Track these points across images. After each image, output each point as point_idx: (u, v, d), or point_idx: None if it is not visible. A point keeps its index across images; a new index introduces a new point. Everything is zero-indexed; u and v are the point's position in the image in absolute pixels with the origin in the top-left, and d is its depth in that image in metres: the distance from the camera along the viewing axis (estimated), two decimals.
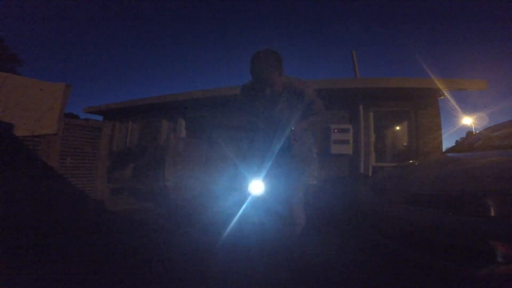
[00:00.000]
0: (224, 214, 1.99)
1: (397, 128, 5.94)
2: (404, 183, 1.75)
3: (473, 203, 1.23)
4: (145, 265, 1.66)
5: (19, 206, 2.67)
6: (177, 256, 1.85)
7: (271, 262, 1.60)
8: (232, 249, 1.87)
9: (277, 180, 1.61)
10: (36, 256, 1.72)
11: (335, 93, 5.22)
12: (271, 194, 1.63)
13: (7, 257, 1.66)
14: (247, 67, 1.47)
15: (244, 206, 1.68)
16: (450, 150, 2.69)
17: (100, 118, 8.60)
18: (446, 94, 5.04)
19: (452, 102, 5.55)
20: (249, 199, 1.65)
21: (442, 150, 4.85)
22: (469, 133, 3.27)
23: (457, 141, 3.32)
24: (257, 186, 1.61)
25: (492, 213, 1.16)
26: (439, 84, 4.74)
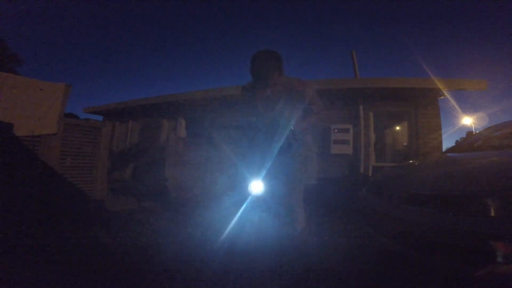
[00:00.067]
0: (224, 214, 1.99)
1: (397, 128, 5.94)
2: (404, 183, 1.75)
3: (473, 203, 1.23)
4: (145, 265, 1.66)
5: (19, 205, 2.67)
6: (177, 256, 1.85)
7: (271, 261, 1.60)
8: (232, 248, 1.87)
9: (277, 180, 1.61)
10: (36, 256, 1.72)
11: (335, 93, 5.22)
12: (271, 194, 1.63)
13: (7, 257, 1.66)
14: (247, 67, 1.47)
15: (244, 206, 1.68)
16: (450, 150, 2.69)
17: (100, 118, 8.60)
18: (446, 94, 5.03)
19: (452, 102, 5.55)
20: (249, 199, 1.65)
21: (442, 150, 4.85)
22: (469, 133, 3.27)
23: (457, 141, 3.33)
24: (257, 186, 1.61)
25: (492, 213, 1.16)
26: (439, 84, 4.73)
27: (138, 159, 6.39)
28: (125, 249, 1.95)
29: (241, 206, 1.69)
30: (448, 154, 2.48)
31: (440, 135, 5.03)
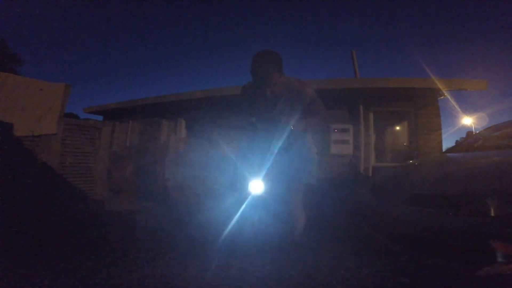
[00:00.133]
0: (224, 213, 1.99)
1: (397, 128, 5.94)
2: (404, 183, 1.75)
3: (473, 203, 1.23)
4: (145, 265, 1.66)
5: (19, 205, 2.67)
6: (176, 255, 1.85)
7: (270, 261, 1.60)
8: (232, 248, 1.87)
9: (277, 180, 1.61)
10: (36, 256, 1.72)
11: (335, 93, 5.22)
12: (271, 194, 1.63)
13: (7, 257, 1.66)
14: (247, 67, 1.47)
15: (244, 206, 1.68)
16: (450, 150, 2.69)
17: (100, 118, 8.60)
18: (446, 94, 5.03)
19: (452, 102, 5.55)
20: (249, 199, 1.65)
21: (442, 150, 4.85)
22: (469, 133, 3.27)
23: (457, 141, 3.33)
24: (257, 186, 1.61)
25: (492, 213, 1.16)
26: (439, 84, 4.73)
27: (138, 159, 6.38)
28: (125, 249, 1.95)
29: (241, 206, 1.69)
30: (448, 154, 2.48)
31: (440, 135, 5.03)
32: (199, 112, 6.57)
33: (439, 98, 5.20)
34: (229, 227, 1.86)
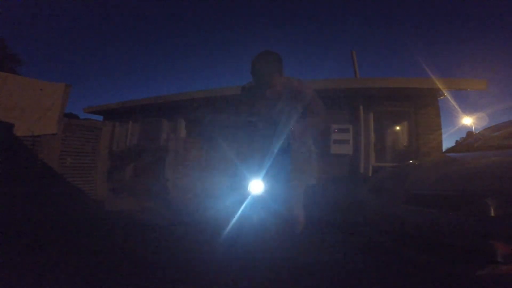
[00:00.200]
0: (224, 213, 1.99)
1: (397, 128, 5.94)
2: (404, 183, 1.75)
3: (473, 203, 1.23)
4: (145, 265, 1.66)
5: (19, 205, 2.67)
6: (176, 255, 1.85)
7: (270, 261, 1.60)
8: (232, 248, 1.87)
9: (276, 180, 1.61)
10: (36, 256, 1.72)
11: (335, 93, 5.21)
12: (271, 193, 1.63)
13: (7, 257, 1.66)
14: (247, 67, 1.47)
15: (243, 206, 1.68)
16: (450, 150, 2.69)
17: (100, 118, 8.59)
18: (446, 94, 5.03)
19: (452, 102, 5.55)
20: (249, 198, 1.65)
21: (442, 150, 4.85)
22: (469, 133, 3.26)
23: (457, 141, 3.32)
24: (256, 186, 1.61)
25: (492, 213, 1.16)
26: (439, 84, 4.73)
27: (138, 159, 6.38)
28: (124, 249, 1.95)
29: (240, 205, 1.69)
30: (448, 154, 2.48)
31: (440, 135, 5.02)
32: (199, 112, 6.57)
33: (439, 98, 5.19)
34: (229, 226, 1.86)
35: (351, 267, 1.67)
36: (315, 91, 1.61)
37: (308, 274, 1.53)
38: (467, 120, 12.63)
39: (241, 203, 1.68)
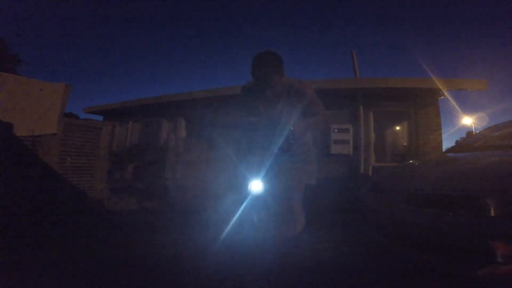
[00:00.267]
0: (224, 213, 1.99)
1: (397, 128, 5.93)
2: (404, 183, 1.75)
3: (473, 203, 1.23)
4: (145, 265, 1.66)
5: (19, 205, 2.67)
6: (176, 255, 1.85)
7: (270, 261, 1.60)
8: (232, 248, 1.87)
9: (276, 179, 1.61)
10: (36, 256, 1.72)
11: (335, 93, 5.21)
12: (271, 193, 1.63)
13: (7, 257, 1.66)
14: (248, 67, 1.47)
15: (243, 206, 1.68)
16: (450, 150, 2.69)
17: (100, 118, 8.59)
18: (446, 94, 5.03)
19: (452, 102, 5.55)
20: (249, 198, 1.65)
21: (442, 150, 4.85)
22: (469, 133, 3.27)
23: (457, 141, 3.32)
24: (256, 186, 1.61)
25: (492, 213, 1.16)
26: (439, 84, 4.73)
27: (138, 159, 6.38)
28: (124, 248, 1.95)
29: (240, 205, 1.69)
30: (448, 154, 2.48)
31: (440, 135, 5.02)
32: (199, 112, 6.57)
33: (439, 98, 5.19)
34: (229, 226, 1.86)
35: (351, 267, 1.67)
36: (315, 91, 1.61)
37: (308, 274, 1.53)
38: (467, 120, 12.65)
39: (241, 203, 1.68)
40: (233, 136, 4.90)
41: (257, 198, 1.63)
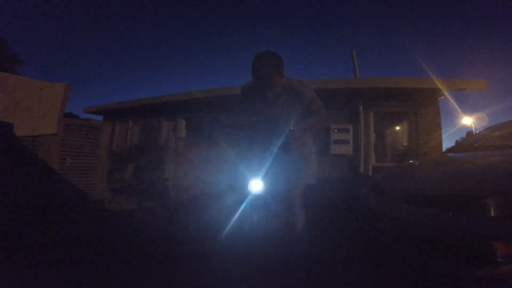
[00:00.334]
0: (224, 213, 1.99)
1: (397, 128, 5.93)
2: (404, 183, 1.75)
3: (473, 203, 1.23)
4: (145, 265, 1.66)
5: (19, 205, 2.67)
6: (176, 255, 1.85)
7: (270, 261, 1.60)
8: (232, 248, 1.87)
9: (276, 179, 1.61)
10: (36, 256, 1.72)
11: (335, 93, 5.22)
12: (271, 193, 1.63)
13: (7, 256, 1.66)
14: (247, 67, 1.47)
15: (243, 205, 1.68)
16: (450, 150, 2.68)
17: (100, 118, 8.59)
18: (446, 94, 5.03)
19: (452, 102, 5.55)
20: (249, 198, 1.65)
21: (442, 150, 4.85)
22: (469, 133, 3.27)
23: (457, 141, 3.32)
24: (256, 186, 1.61)
25: (492, 213, 1.16)
26: (439, 84, 4.73)
27: (138, 159, 6.38)
28: (124, 248, 1.95)
29: (240, 205, 1.69)
30: (448, 154, 2.48)
31: (440, 135, 5.02)
32: (199, 112, 6.57)
33: (439, 98, 5.19)
34: (229, 226, 1.86)
35: (351, 267, 1.67)
36: (315, 91, 1.61)
37: (307, 274, 1.53)
38: (467, 120, 12.66)
39: (241, 202, 1.68)
40: (233, 136, 4.90)
41: (257, 197, 1.63)
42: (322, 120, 1.69)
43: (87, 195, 3.60)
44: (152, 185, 4.77)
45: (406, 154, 5.22)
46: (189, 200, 3.97)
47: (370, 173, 5.11)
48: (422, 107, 5.14)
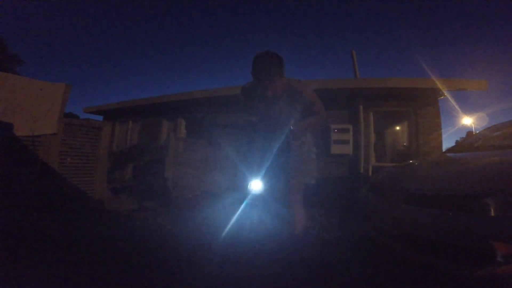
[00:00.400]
0: (224, 213, 1.99)
1: (397, 128, 5.94)
2: (404, 183, 1.75)
3: (473, 203, 1.23)
4: (144, 265, 1.66)
5: (19, 205, 2.67)
6: (176, 255, 1.85)
7: (270, 261, 1.60)
8: (232, 248, 1.87)
9: (276, 179, 1.61)
10: (36, 255, 1.72)
11: (335, 93, 5.22)
12: (271, 193, 1.63)
13: (7, 256, 1.66)
14: (248, 67, 1.47)
15: (243, 205, 1.68)
16: (450, 150, 2.68)
17: (100, 118, 8.60)
18: (446, 94, 5.03)
19: (452, 102, 5.55)
20: (249, 198, 1.65)
21: (442, 150, 4.85)
22: (469, 133, 3.26)
23: (457, 141, 3.32)
24: (256, 185, 1.61)
25: (492, 213, 1.16)
26: (439, 84, 4.73)
27: (138, 159, 6.39)
28: (124, 248, 1.95)
29: (240, 205, 1.69)
30: (448, 154, 2.48)
31: (440, 135, 5.02)
32: (199, 112, 6.57)
33: (439, 98, 5.19)
34: (229, 226, 1.86)
35: (350, 267, 1.67)
36: (315, 91, 1.62)
37: (307, 274, 1.53)
38: (467, 120, 12.66)
39: (241, 202, 1.68)
40: (233, 136, 4.90)
41: (257, 197, 1.63)
42: (322, 120, 1.69)
43: (87, 195, 3.61)
44: (152, 185, 4.77)
45: (406, 154, 5.22)
46: (189, 200, 3.97)
47: (370, 173, 5.11)
48: (422, 107, 5.14)
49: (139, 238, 2.24)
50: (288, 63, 1.57)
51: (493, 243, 1.11)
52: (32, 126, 3.08)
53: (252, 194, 1.64)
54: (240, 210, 1.71)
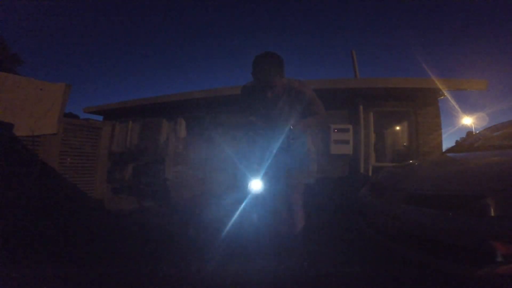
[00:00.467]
0: (224, 212, 1.99)
1: (397, 128, 5.93)
2: (403, 183, 1.75)
3: (473, 203, 1.23)
4: (144, 264, 1.66)
5: (19, 205, 2.67)
6: (176, 254, 1.85)
7: (269, 260, 1.60)
8: (232, 247, 1.87)
9: (276, 179, 1.61)
10: (36, 255, 1.72)
11: (335, 93, 5.21)
12: (270, 193, 1.63)
13: (8, 255, 1.66)
14: (248, 67, 1.47)
15: (243, 205, 1.68)
16: (450, 150, 2.68)
17: (100, 118, 8.59)
18: (446, 94, 5.03)
19: (452, 102, 5.54)
20: (249, 198, 1.65)
21: (442, 150, 4.85)
22: (469, 133, 3.26)
23: (457, 141, 3.32)
24: (256, 185, 1.61)
25: (492, 213, 1.16)
26: (439, 84, 4.73)
27: (138, 159, 6.38)
28: (124, 248, 1.95)
29: (240, 205, 1.69)
30: (448, 154, 2.48)
31: (440, 135, 5.02)
32: (199, 112, 6.57)
33: (439, 98, 5.19)
34: (229, 226, 1.86)
35: (350, 267, 1.67)
36: (315, 91, 1.62)
37: (307, 274, 1.53)
38: (467, 120, 12.66)
39: (241, 202, 1.68)
40: (233, 136, 4.90)
41: (257, 197, 1.63)
42: (322, 120, 1.69)
43: (87, 195, 3.61)
44: (152, 185, 4.77)
45: (406, 154, 5.22)
46: (189, 199, 3.97)
47: (370, 173, 5.11)
48: (422, 107, 5.14)
49: (139, 238, 2.24)
50: (288, 63, 1.57)
51: (493, 243, 1.11)
52: (32, 126, 3.08)
53: (252, 194, 1.64)
54: (240, 210, 1.71)
